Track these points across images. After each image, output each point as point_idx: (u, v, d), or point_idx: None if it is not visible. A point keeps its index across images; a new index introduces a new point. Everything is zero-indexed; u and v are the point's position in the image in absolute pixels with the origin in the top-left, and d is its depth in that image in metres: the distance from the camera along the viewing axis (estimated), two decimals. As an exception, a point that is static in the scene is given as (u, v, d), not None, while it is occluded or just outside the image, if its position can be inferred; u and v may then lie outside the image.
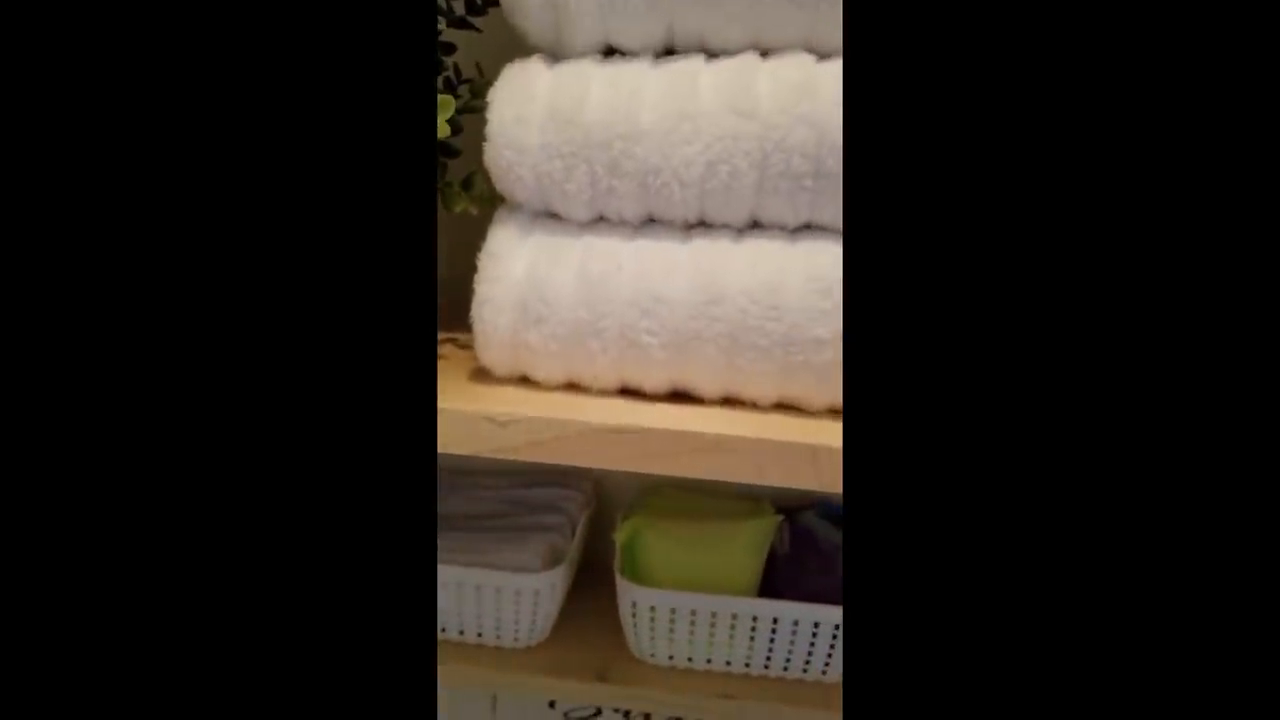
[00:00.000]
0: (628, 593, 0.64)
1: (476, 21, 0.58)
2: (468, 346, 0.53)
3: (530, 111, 0.47)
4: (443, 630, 0.67)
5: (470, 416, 0.47)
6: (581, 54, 0.49)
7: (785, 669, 0.65)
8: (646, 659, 0.66)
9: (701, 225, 0.49)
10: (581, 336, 0.48)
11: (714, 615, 0.63)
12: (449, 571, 0.63)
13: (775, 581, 0.65)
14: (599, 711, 0.83)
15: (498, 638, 0.66)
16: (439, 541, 0.64)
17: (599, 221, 0.49)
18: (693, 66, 0.47)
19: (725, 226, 0.49)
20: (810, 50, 0.47)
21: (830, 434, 0.46)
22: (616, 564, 0.65)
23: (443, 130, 0.50)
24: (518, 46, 0.50)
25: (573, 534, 0.69)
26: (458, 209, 0.55)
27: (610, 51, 0.50)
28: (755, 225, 0.49)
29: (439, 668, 0.64)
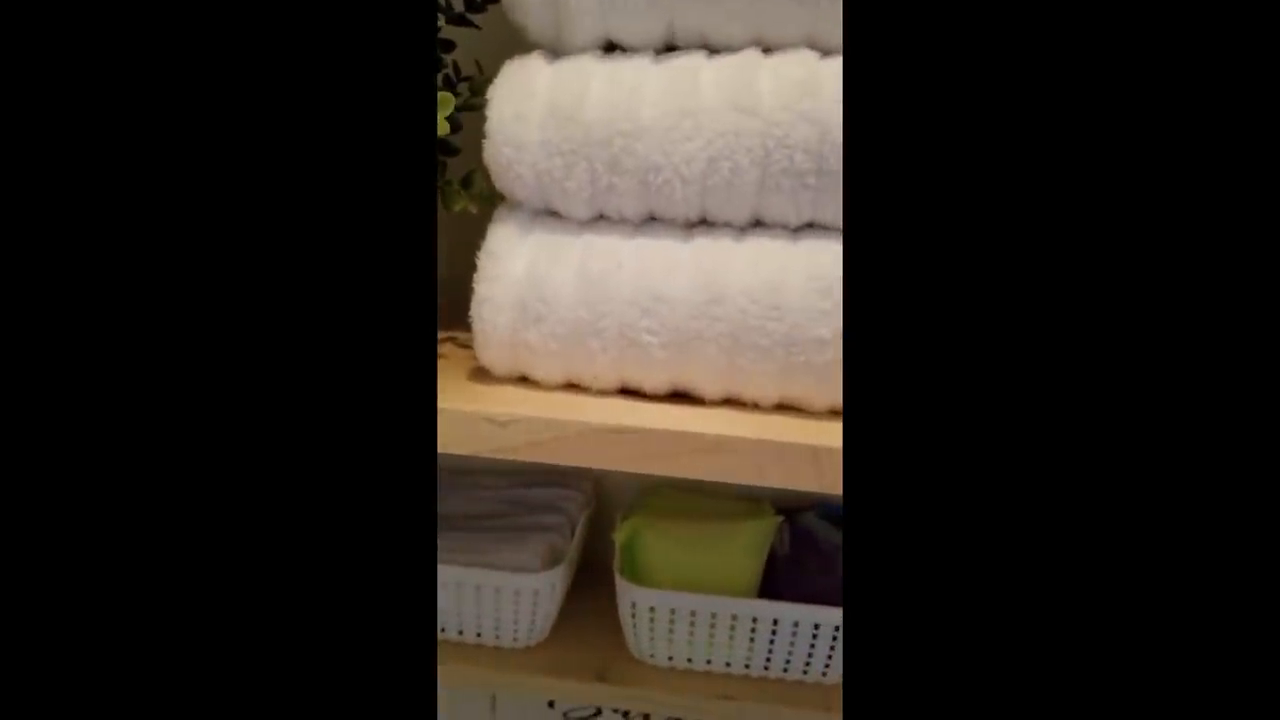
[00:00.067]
0: (627, 593, 0.64)
1: (476, 18, 0.58)
2: (467, 346, 0.53)
3: (530, 108, 0.47)
4: (442, 630, 0.67)
5: (470, 416, 0.46)
6: (582, 50, 0.48)
7: (785, 670, 0.64)
8: (646, 659, 0.66)
9: (703, 224, 0.49)
10: (581, 336, 0.47)
11: (714, 616, 0.63)
12: (448, 571, 0.63)
13: (775, 582, 0.65)
14: (598, 712, 0.83)
15: (497, 638, 0.66)
16: (438, 541, 0.64)
17: (599, 220, 0.49)
18: (694, 63, 0.47)
19: (727, 225, 0.48)
20: (813, 47, 0.47)
21: (832, 435, 0.45)
22: (616, 564, 0.65)
23: (442, 128, 0.50)
24: (517, 43, 0.50)
25: (572, 534, 0.69)
26: (457, 207, 0.55)
27: (611, 48, 0.49)
28: (757, 224, 0.48)
29: (438, 667, 0.64)
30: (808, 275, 0.46)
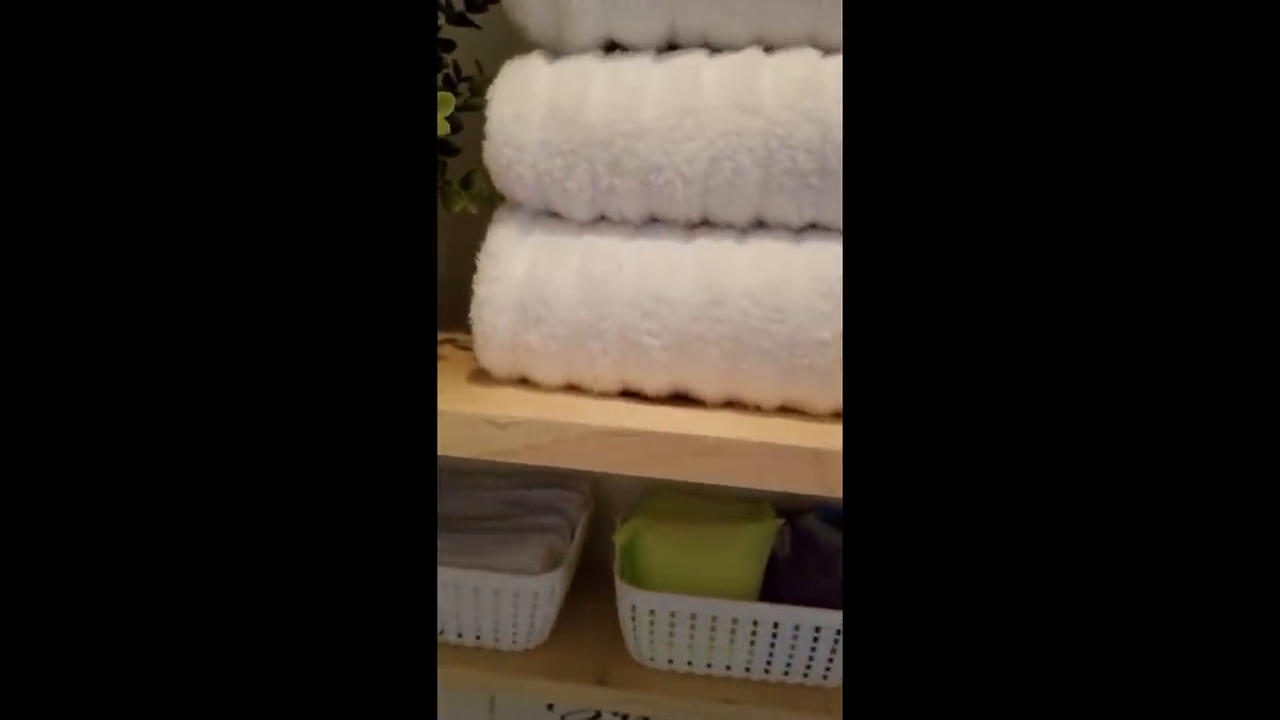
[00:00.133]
0: (627, 596, 0.63)
1: (476, 18, 0.57)
2: (467, 347, 0.53)
3: (530, 109, 0.46)
4: (441, 632, 0.66)
5: (470, 418, 0.46)
6: (582, 50, 0.48)
7: (785, 673, 0.64)
8: (646, 663, 0.66)
9: (704, 224, 0.49)
10: (582, 337, 0.47)
11: (714, 619, 0.63)
12: (448, 573, 0.63)
13: (776, 585, 0.65)
14: (598, 715, 0.83)
15: (496, 640, 0.66)
16: (438, 543, 0.63)
17: (600, 220, 0.49)
18: (695, 62, 0.47)
19: (729, 226, 0.48)
20: (815, 45, 0.47)
21: (833, 438, 0.45)
22: (616, 567, 0.65)
23: (442, 128, 0.50)
24: (518, 43, 0.50)
25: (572, 536, 0.69)
26: (457, 208, 0.54)
27: (611, 47, 0.49)
28: (759, 224, 0.48)
29: (437, 670, 0.64)
30: (810, 277, 0.46)
